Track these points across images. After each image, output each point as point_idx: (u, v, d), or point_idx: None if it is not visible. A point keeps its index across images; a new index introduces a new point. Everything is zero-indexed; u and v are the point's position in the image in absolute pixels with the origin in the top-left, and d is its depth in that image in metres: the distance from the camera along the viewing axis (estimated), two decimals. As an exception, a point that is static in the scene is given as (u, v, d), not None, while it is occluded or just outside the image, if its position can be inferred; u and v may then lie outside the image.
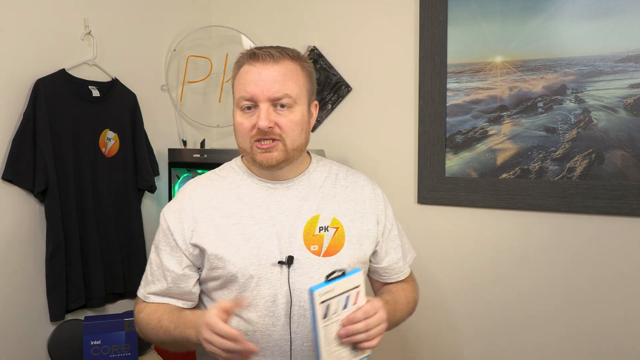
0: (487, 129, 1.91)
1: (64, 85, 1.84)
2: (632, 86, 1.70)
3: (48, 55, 1.83)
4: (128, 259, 2.07)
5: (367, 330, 1.10)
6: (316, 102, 1.31)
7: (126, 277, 2.07)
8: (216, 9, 2.46)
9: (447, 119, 1.96)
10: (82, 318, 1.83)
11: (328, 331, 1.08)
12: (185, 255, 1.25)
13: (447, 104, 1.96)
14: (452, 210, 1.99)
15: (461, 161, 1.95)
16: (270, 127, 1.18)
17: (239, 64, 1.25)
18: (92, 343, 1.77)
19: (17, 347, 1.77)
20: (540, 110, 1.83)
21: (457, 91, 1.95)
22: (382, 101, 2.10)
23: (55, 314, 1.81)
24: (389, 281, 1.39)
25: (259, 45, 2.32)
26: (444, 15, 1.94)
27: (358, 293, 1.10)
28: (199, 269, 1.27)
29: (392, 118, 2.07)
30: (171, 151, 2.17)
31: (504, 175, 1.89)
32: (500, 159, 1.89)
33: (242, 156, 1.35)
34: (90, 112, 1.92)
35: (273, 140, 1.20)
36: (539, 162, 1.83)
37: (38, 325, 1.81)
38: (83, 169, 1.90)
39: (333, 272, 1.07)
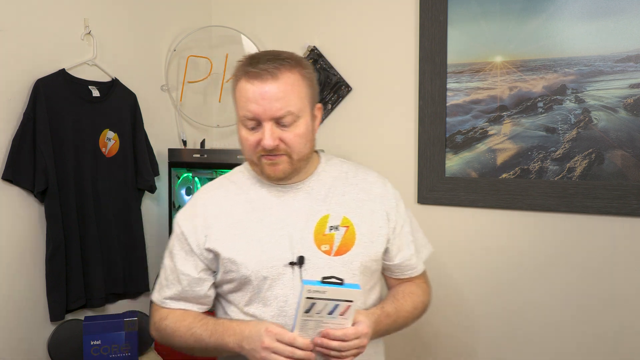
0: (487, 129, 1.91)
1: (64, 85, 1.84)
2: (632, 86, 1.70)
3: (48, 55, 1.83)
4: (128, 259, 2.07)
5: (339, 351, 1.12)
6: (319, 105, 1.30)
7: (126, 277, 2.07)
8: (216, 9, 2.46)
9: (447, 119, 1.96)
10: (82, 318, 1.82)
11: (305, 325, 1.11)
12: (200, 259, 1.27)
13: (447, 104, 1.96)
14: (452, 210, 1.98)
15: (461, 161, 1.95)
16: (275, 145, 1.19)
17: (237, 76, 1.23)
18: (92, 343, 1.77)
19: (17, 347, 1.77)
20: (540, 110, 1.83)
21: (457, 91, 1.95)
22: (382, 101, 2.10)
23: (55, 314, 1.81)
24: (402, 277, 1.38)
25: (259, 44, 2.33)
26: (444, 15, 1.94)
27: (349, 307, 1.10)
28: (214, 272, 1.29)
29: (392, 118, 2.07)
30: (171, 151, 2.17)
31: (504, 175, 1.89)
32: (500, 159, 1.89)
33: None
34: (90, 112, 1.92)
35: (279, 154, 1.21)
36: (539, 162, 1.83)
37: (38, 325, 1.81)
38: (83, 169, 1.90)
39: (331, 277, 1.08)
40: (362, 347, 1.14)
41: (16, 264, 1.76)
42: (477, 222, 1.94)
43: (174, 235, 1.31)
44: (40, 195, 1.79)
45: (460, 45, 1.93)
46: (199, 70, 2.38)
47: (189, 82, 2.33)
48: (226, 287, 1.28)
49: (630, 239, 1.73)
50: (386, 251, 1.33)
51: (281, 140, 1.19)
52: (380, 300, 1.35)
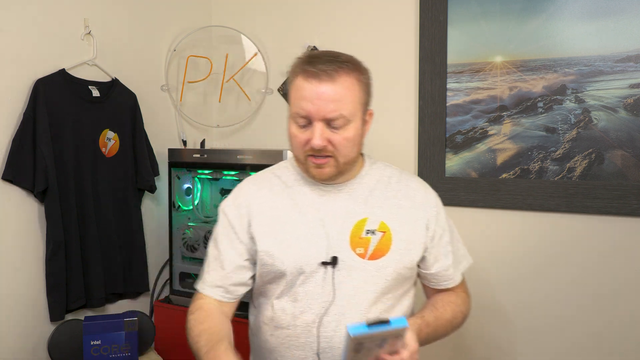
0: (487, 129, 1.91)
1: (64, 85, 1.84)
2: (632, 86, 1.70)
3: (48, 55, 1.83)
4: (128, 259, 2.08)
5: None
6: (371, 111, 1.30)
7: (126, 277, 2.07)
8: (216, 9, 2.46)
9: (447, 119, 1.96)
10: (82, 318, 1.83)
11: (354, 358, 1.09)
12: (245, 247, 1.29)
13: (447, 104, 1.96)
14: (452, 210, 1.97)
15: (461, 161, 1.95)
16: (323, 146, 1.20)
17: (294, 72, 1.24)
18: (92, 343, 1.77)
19: (17, 347, 1.77)
20: (540, 110, 1.83)
21: (457, 91, 1.95)
22: (383, 101, 2.10)
23: (55, 314, 1.81)
24: (438, 287, 1.38)
25: (259, 44, 2.33)
26: (444, 15, 1.94)
27: (398, 339, 1.08)
28: (255, 264, 1.31)
29: (392, 118, 2.07)
30: (171, 151, 2.17)
31: (504, 175, 1.89)
32: (500, 159, 1.89)
33: None
34: (90, 112, 1.92)
35: (326, 156, 1.22)
36: (539, 162, 1.83)
37: (38, 325, 1.81)
38: (83, 169, 1.90)
39: (377, 320, 1.04)
40: None
41: (16, 264, 1.76)
42: (477, 222, 1.94)
43: (219, 224, 1.34)
44: (40, 195, 1.79)
45: (460, 45, 1.93)
46: (199, 70, 2.38)
47: (189, 82, 2.33)
48: (260, 280, 1.30)
49: (630, 239, 1.73)
50: (423, 260, 1.33)
51: (329, 141, 1.20)
52: (413, 306, 1.36)
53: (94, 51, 1.97)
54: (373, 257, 1.25)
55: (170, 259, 2.18)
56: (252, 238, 1.28)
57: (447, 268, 1.36)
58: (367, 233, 1.26)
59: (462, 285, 1.43)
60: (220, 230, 1.33)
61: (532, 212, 1.86)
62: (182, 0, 2.33)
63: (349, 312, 1.23)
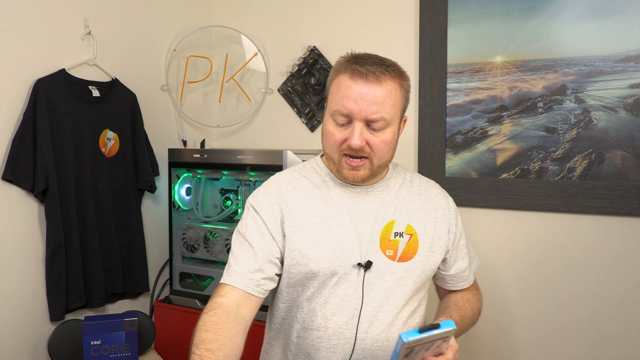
0: (487, 129, 1.91)
1: (64, 85, 1.84)
2: (632, 86, 1.70)
3: (48, 55, 1.83)
4: (128, 259, 2.08)
5: None
6: (406, 117, 1.32)
7: (126, 277, 2.07)
8: (216, 9, 2.46)
9: (447, 119, 1.96)
10: (82, 318, 1.83)
11: None
12: (277, 245, 1.27)
13: (447, 104, 1.96)
14: (452, 210, 1.98)
15: (461, 161, 1.95)
16: (361, 146, 1.21)
17: (338, 70, 1.24)
18: (92, 343, 1.77)
19: (17, 347, 1.77)
20: (540, 110, 1.83)
21: (457, 91, 1.94)
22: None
23: (55, 314, 1.81)
24: (454, 289, 1.42)
25: (259, 44, 2.33)
26: (444, 15, 1.94)
27: (445, 339, 1.11)
28: (282, 263, 1.28)
29: (392, 118, 2.07)
30: (171, 151, 2.17)
31: (504, 175, 1.89)
32: (500, 159, 1.89)
33: (321, 156, 1.38)
34: (90, 112, 1.92)
35: (362, 158, 1.23)
36: (539, 162, 1.83)
37: (38, 325, 1.81)
38: (83, 169, 1.90)
39: (429, 325, 1.07)
40: None
41: (16, 264, 1.76)
42: (477, 222, 1.94)
43: (247, 219, 1.29)
44: (40, 195, 1.79)
45: (460, 45, 1.93)
46: (199, 70, 2.38)
47: (189, 82, 2.33)
48: (287, 280, 1.28)
49: (630, 239, 1.73)
50: (443, 261, 1.37)
51: (367, 142, 1.21)
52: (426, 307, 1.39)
53: (94, 51, 1.96)
54: (402, 259, 1.27)
55: (170, 259, 2.18)
56: (284, 236, 1.27)
57: (464, 269, 1.40)
58: (395, 235, 1.28)
59: (475, 283, 1.47)
60: (250, 225, 1.28)
61: (532, 212, 1.86)
62: (182, 0, 2.33)
63: (381, 313, 1.24)
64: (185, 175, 2.16)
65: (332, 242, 1.25)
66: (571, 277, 1.81)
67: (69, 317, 1.87)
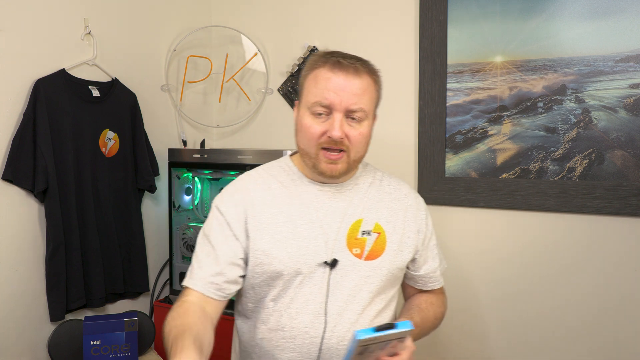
0: (487, 129, 1.91)
1: (64, 85, 1.84)
2: (632, 86, 1.70)
3: (48, 55, 1.83)
4: (128, 259, 2.08)
5: None
6: (376, 116, 1.33)
7: (126, 277, 2.07)
8: (216, 9, 2.46)
9: (447, 119, 1.96)
10: (82, 318, 1.83)
11: None
12: (241, 245, 1.26)
13: (447, 104, 1.96)
14: (452, 210, 1.98)
15: (461, 161, 1.95)
16: (342, 138, 1.21)
17: (315, 65, 1.25)
18: (92, 343, 1.77)
19: (17, 347, 1.77)
20: (540, 110, 1.83)
21: (457, 91, 1.94)
22: (382, 101, 2.10)
23: (55, 314, 1.81)
24: (424, 289, 1.41)
25: (259, 44, 2.33)
26: (444, 15, 1.94)
27: (400, 341, 1.11)
28: (247, 263, 1.27)
29: (392, 118, 2.07)
30: (171, 151, 2.17)
31: (504, 175, 1.89)
32: (500, 159, 1.89)
33: (290, 155, 1.38)
34: (90, 112, 1.92)
35: (340, 151, 1.23)
36: (539, 162, 1.83)
37: (38, 325, 1.81)
38: (83, 169, 1.90)
39: (384, 325, 1.07)
40: None
41: (16, 264, 1.76)
42: (477, 222, 1.94)
43: (213, 220, 1.29)
44: (40, 195, 1.79)
45: (460, 45, 1.93)
46: (199, 70, 2.38)
47: (189, 82, 2.33)
48: (252, 281, 1.27)
49: (630, 239, 1.73)
50: (413, 261, 1.36)
51: (346, 135, 1.22)
52: (396, 307, 1.37)
53: (94, 51, 1.96)
54: (369, 257, 1.27)
55: (170, 259, 2.18)
56: (247, 236, 1.26)
57: (434, 270, 1.40)
58: (363, 234, 1.27)
59: (441, 288, 1.46)
60: (214, 226, 1.28)
61: (532, 212, 1.86)
62: (182, 0, 2.33)
63: (346, 312, 1.23)
64: (185, 175, 2.16)
65: (297, 241, 1.24)
66: (571, 277, 1.81)
67: (69, 317, 1.87)
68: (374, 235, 1.28)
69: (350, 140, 1.22)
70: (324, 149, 1.23)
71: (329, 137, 1.21)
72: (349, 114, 1.21)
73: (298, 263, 1.23)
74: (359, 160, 1.28)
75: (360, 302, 1.24)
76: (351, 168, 1.27)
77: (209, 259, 1.25)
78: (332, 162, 1.23)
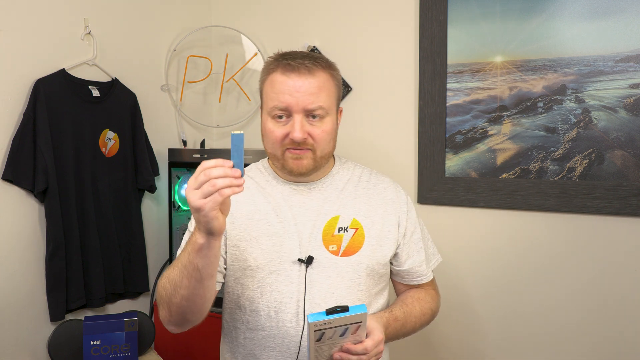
0: (487, 129, 1.91)
1: (64, 85, 1.84)
2: (632, 86, 1.70)
3: (48, 55, 1.83)
4: (128, 259, 2.08)
5: None
6: (341, 108, 1.35)
7: (126, 277, 2.07)
8: (216, 9, 2.46)
9: (447, 119, 1.96)
10: (82, 318, 1.83)
11: (319, 351, 1.10)
12: (222, 241, 1.27)
13: (447, 104, 1.96)
14: (452, 210, 1.98)
15: (461, 161, 1.95)
16: (304, 138, 1.22)
17: (269, 70, 1.27)
18: (92, 343, 1.77)
19: (17, 347, 1.77)
20: (540, 110, 1.83)
21: (457, 91, 1.94)
22: (382, 101, 2.10)
23: (55, 314, 1.81)
24: (411, 284, 1.40)
25: (259, 44, 2.33)
26: (444, 16, 1.94)
27: (359, 327, 1.10)
28: (225, 260, 1.29)
29: (392, 118, 2.07)
30: (171, 151, 2.17)
31: (504, 175, 1.89)
32: (500, 159, 1.89)
33: (267, 158, 1.38)
34: (90, 112, 1.92)
35: (305, 149, 1.24)
36: (539, 162, 1.83)
37: (38, 325, 1.81)
38: (83, 169, 1.90)
39: (336, 307, 1.06)
40: (380, 352, 1.15)
41: (16, 264, 1.76)
42: (477, 222, 1.94)
43: (193, 219, 1.28)
44: (40, 195, 1.79)
45: (460, 45, 1.93)
46: (199, 70, 2.38)
47: (189, 82, 2.33)
48: (230, 278, 1.29)
49: (630, 239, 1.73)
50: (396, 256, 1.35)
51: (309, 134, 1.23)
52: (388, 304, 1.36)
53: (94, 51, 1.97)
54: (346, 253, 1.26)
55: (170, 259, 2.18)
56: (225, 235, 1.27)
57: (420, 264, 1.38)
58: (340, 230, 1.28)
59: (432, 282, 1.44)
60: (193, 223, 1.28)
61: (532, 212, 1.86)
62: (182, 0, 2.33)
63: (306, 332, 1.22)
64: (185, 175, 2.16)
65: (272, 238, 1.25)
66: (571, 277, 1.81)
67: (69, 317, 1.87)
68: (351, 232, 1.28)
69: (314, 139, 1.23)
70: (289, 148, 1.24)
71: (291, 139, 1.22)
72: (308, 114, 1.22)
73: (272, 260, 1.24)
74: (326, 156, 1.28)
75: (338, 298, 1.24)
76: (319, 164, 1.27)
77: None
78: (297, 157, 1.24)
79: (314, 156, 1.25)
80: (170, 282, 1.13)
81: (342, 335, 1.09)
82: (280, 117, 1.24)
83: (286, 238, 1.26)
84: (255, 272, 1.25)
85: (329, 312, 1.05)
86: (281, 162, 1.27)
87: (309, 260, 1.24)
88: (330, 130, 1.26)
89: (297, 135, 1.21)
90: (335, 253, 1.26)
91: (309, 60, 1.23)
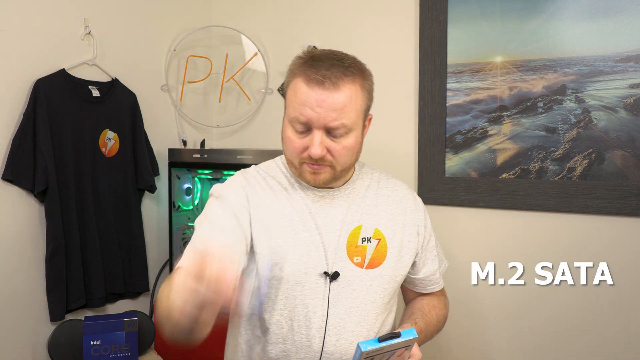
0: (487, 129, 1.91)
1: (64, 85, 1.84)
2: (632, 86, 1.70)
3: (48, 55, 1.83)
4: (128, 259, 2.08)
5: None
6: (371, 115, 1.26)
7: (126, 277, 2.07)
8: (216, 9, 2.46)
9: (447, 119, 1.96)
10: (82, 318, 1.83)
11: None
12: (246, 241, 1.18)
13: (447, 104, 1.96)
14: (452, 211, 1.98)
15: (461, 161, 1.95)
16: (322, 155, 1.14)
17: (294, 73, 1.17)
18: (92, 343, 1.77)
19: (17, 347, 1.77)
20: (540, 110, 1.83)
21: (457, 91, 1.94)
22: (382, 101, 2.10)
23: (55, 314, 1.81)
24: (424, 292, 1.37)
25: (259, 44, 2.33)
26: (444, 15, 1.94)
27: (406, 349, 1.09)
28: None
29: (392, 118, 2.07)
30: (171, 151, 2.17)
31: (504, 175, 1.89)
32: (500, 159, 1.89)
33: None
34: (90, 112, 1.92)
35: (322, 165, 1.17)
36: (539, 162, 1.83)
37: (38, 325, 1.81)
38: (83, 169, 1.90)
39: (388, 334, 1.04)
40: None
41: (16, 264, 1.76)
42: (477, 222, 1.94)
43: (212, 207, 1.20)
44: (40, 195, 1.79)
45: (460, 45, 1.93)
46: (199, 70, 2.38)
47: (189, 82, 2.33)
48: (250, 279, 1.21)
49: (630, 239, 1.73)
50: (413, 265, 1.32)
51: (328, 150, 1.15)
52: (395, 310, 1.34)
53: (94, 51, 1.96)
54: (370, 265, 1.22)
55: (170, 259, 2.18)
56: (251, 235, 1.18)
57: (434, 272, 1.36)
58: (363, 241, 1.23)
59: (442, 289, 1.43)
60: (216, 212, 1.18)
61: (532, 212, 1.85)
62: (182, 0, 2.33)
63: (349, 325, 1.19)
64: (185, 175, 2.16)
65: (299, 249, 1.18)
66: (571, 277, 1.81)
67: (69, 317, 1.87)
68: (374, 242, 1.23)
69: (333, 155, 1.15)
70: (306, 163, 1.18)
71: (309, 154, 1.15)
72: (329, 130, 1.14)
73: (299, 272, 1.18)
74: (348, 169, 1.22)
75: (363, 313, 1.21)
76: (339, 176, 1.21)
77: (210, 233, 1.15)
78: (314, 172, 1.17)
79: (333, 171, 1.18)
80: (169, 319, 0.96)
81: (387, 357, 1.08)
82: (301, 129, 1.15)
83: (312, 248, 1.19)
84: (280, 282, 1.17)
85: (382, 339, 1.02)
86: (298, 171, 1.20)
87: (334, 276, 1.18)
88: (352, 146, 1.17)
89: (316, 152, 1.13)
90: (360, 265, 1.21)
91: (339, 69, 1.13)
